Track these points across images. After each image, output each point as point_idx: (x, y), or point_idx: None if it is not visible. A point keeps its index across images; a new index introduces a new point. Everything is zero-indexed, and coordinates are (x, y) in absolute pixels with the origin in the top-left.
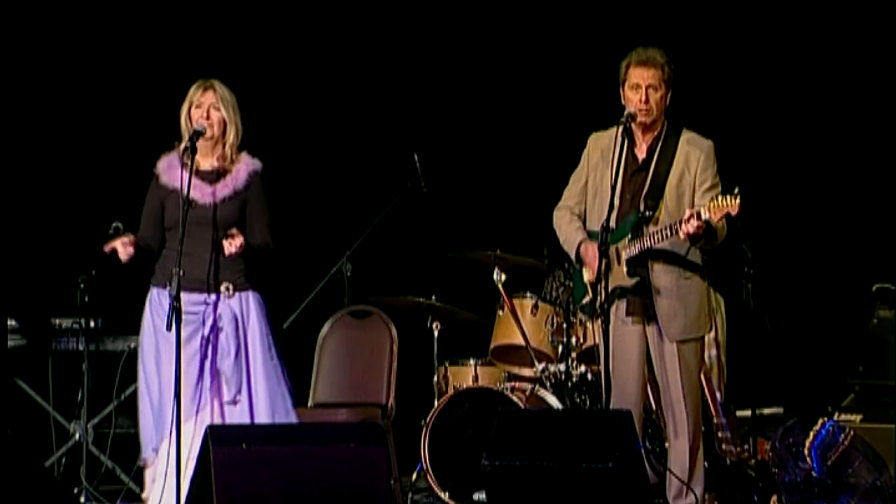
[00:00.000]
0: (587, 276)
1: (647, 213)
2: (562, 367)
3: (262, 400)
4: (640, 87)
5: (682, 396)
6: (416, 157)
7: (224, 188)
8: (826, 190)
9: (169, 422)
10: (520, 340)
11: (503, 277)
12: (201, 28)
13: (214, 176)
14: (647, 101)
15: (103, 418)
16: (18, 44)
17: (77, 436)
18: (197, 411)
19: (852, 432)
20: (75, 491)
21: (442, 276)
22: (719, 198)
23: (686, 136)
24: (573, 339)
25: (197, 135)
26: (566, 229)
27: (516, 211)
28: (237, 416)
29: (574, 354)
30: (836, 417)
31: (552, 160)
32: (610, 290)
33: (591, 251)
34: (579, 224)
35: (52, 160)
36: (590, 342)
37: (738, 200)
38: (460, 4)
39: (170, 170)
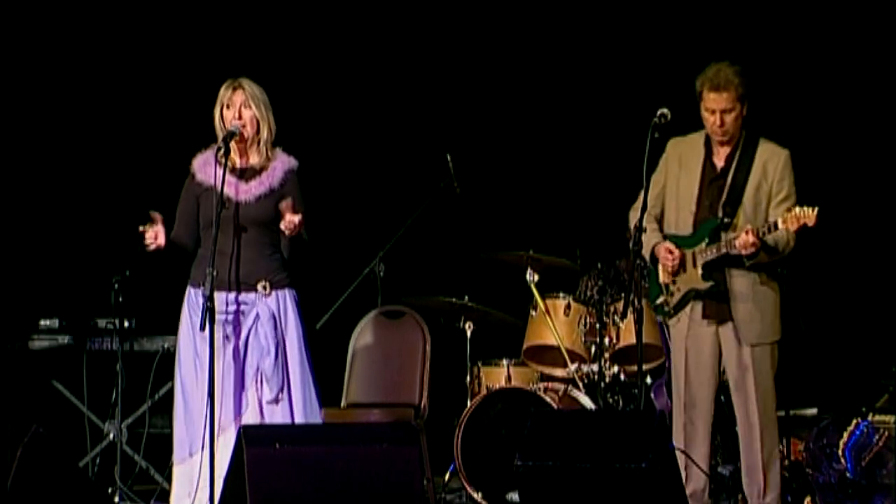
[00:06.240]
0: (662, 276)
1: (725, 219)
2: (595, 367)
3: (296, 400)
4: (714, 111)
5: (755, 400)
6: (448, 157)
7: (260, 185)
8: (860, 190)
9: (204, 431)
10: (553, 341)
11: (536, 278)
12: (236, 28)
13: (250, 173)
14: (721, 125)
15: (137, 418)
16: (54, 47)
17: (111, 436)
18: (236, 417)
19: (886, 433)
20: (109, 491)
21: (475, 276)
22: (797, 209)
23: (763, 146)
24: (606, 340)
25: (230, 136)
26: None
27: (549, 211)
28: (279, 415)
29: (607, 355)
30: (870, 418)
31: (584, 161)
32: (684, 293)
33: (663, 251)
34: (655, 226)
35: (88, 161)
36: (623, 342)
37: (815, 212)
38: (492, 6)
39: (205, 167)
